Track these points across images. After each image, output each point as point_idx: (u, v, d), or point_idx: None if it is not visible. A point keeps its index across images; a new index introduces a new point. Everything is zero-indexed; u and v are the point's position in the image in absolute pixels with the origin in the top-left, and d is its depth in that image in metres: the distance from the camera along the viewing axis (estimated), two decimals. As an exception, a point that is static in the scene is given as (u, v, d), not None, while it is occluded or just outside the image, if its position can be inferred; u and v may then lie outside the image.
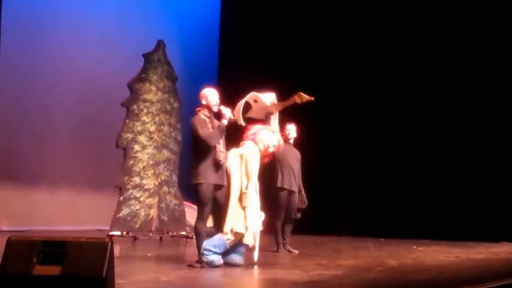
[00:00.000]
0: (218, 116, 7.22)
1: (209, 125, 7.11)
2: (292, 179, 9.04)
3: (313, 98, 8.66)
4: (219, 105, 7.19)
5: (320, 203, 13.30)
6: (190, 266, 7.02)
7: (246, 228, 7.03)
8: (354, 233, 12.60)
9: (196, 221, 7.28)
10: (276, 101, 8.73)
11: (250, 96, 8.31)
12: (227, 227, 7.04)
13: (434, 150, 12.66)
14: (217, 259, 7.02)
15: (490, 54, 12.41)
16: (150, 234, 10.80)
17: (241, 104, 7.94)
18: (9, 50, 11.58)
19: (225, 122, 7.11)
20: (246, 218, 7.01)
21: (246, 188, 7.08)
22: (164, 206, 10.93)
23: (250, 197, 7.06)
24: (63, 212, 12.36)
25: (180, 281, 6.14)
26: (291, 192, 9.06)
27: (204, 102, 7.21)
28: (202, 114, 7.18)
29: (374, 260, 8.11)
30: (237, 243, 7.19)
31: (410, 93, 12.92)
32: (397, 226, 12.10)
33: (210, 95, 7.23)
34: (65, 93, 12.56)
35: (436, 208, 12.38)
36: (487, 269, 7.74)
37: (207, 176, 7.03)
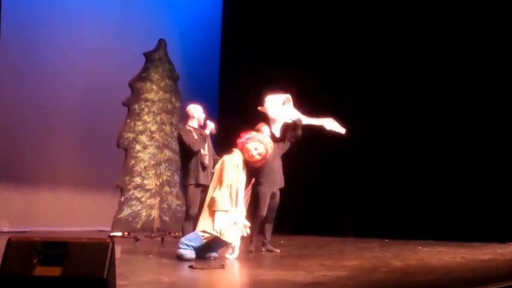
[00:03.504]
0: (203, 127, 8.46)
1: (194, 134, 8.27)
2: (273, 179, 9.02)
3: (344, 131, 8.80)
4: (205, 119, 8.49)
5: (324, 204, 13.29)
6: (191, 267, 6.99)
7: (217, 231, 7.51)
8: (358, 234, 12.54)
9: (183, 220, 8.35)
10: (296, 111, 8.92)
11: (287, 98, 8.84)
12: (199, 227, 7.63)
13: (440, 151, 12.61)
14: (189, 253, 7.56)
15: (489, 55, 12.36)
16: (152, 234, 10.76)
17: (278, 100, 8.76)
18: (9, 49, 11.54)
19: (207, 131, 8.37)
20: (215, 221, 7.51)
21: (215, 193, 7.62)
22: (166, 206, 10.89)
23: (222, 203, 7.53)
24: (64, 212, 12.32)
25: (182, 282, 6.12)
26: (273, 193, 9.05)
27: (195, 116, 8.45)
28: (188, 126, 8.39)
29: (379, 261, 8.06)
30: (215, 241, 7.67)
31: (415, 91, 12.87)
32: (402, 226, 12.05)
33: (199, 110, 8.49)
34: (65, 93, 12.52)
35: (441, 208, 12.33)
36: (492, 270, 7.68)
37: (195, 177, 8.14)
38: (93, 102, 12.71)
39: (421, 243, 10.66)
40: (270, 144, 8.06)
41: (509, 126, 12.17)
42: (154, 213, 10.76)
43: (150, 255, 8.60)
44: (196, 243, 7.60)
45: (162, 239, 10.93)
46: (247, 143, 7.87)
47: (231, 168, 7.69)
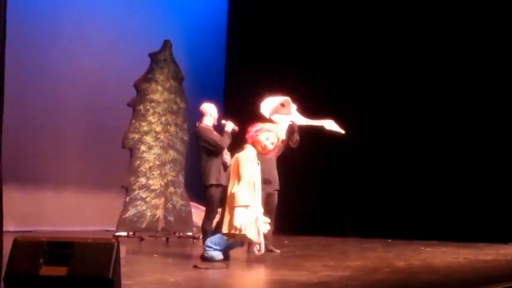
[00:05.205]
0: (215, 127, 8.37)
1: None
2: (268, 181, 8.88)
3: (343, 132, 8.85)
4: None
5: (327, 204, 13.31)
6: (195, 266, 7.03)
7: (236, 228, 7.40)
8: (361, 234, 12.56)
9: (203, 220, 8.21)
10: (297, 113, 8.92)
11: (284, 100, 8.78)
12: (225, 229, 7.53)
13: (443, 151, 12.61)
14: (217, 255, 7.53)
15: (489, 55, 12.36)
16: (156, 234, 10.80)
17: (273, 103, 8.73)
18: (14, 51, 11.53)
19: (228, 129, 8.21)
20: (235, 217, 7.41)
21: (234, 189, 7.53)
22: (170, 206, 10.93)
23: (241, 198, 7.44)
24: (70, 212, 12.36)
25: (187, 282, 6.14)
26: (269, 194, 8.94)
27: (211, 115, 8.32)
28: (204, 124, 8.28)
29: (381, 261, 8.09)
30: (237, 239, 7.64)
31: (418, 91, 12.88)
32: (405, 227, 12.06)
33: (214, 109, 8.38)
34: (71, 94, 12.56)
35: (444, 209, 12.34)
36: (495, 270, 7.71)
37: (218, 177, 7.98)
38: (98, 103, 12.75)
39: (424, 244, 10.66)
40: (280, 131, 8.01)
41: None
42: (159, 213, 10.81)
43: (155, 255, 8.63)
44: (222, 246, 7.59)
45: (167, 239, 10.97)
46: (257, 135, 7.77)
47: (247, 164, 7.59)
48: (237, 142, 8.23)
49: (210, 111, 8.37)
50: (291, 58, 13.48)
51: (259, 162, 7.84)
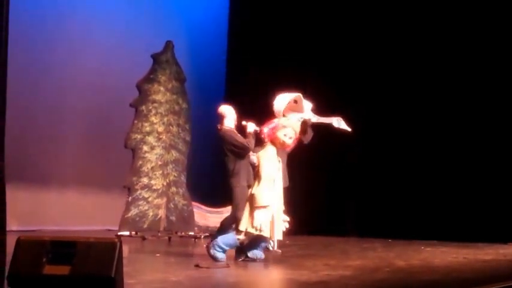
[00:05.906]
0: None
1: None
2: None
3: (350, 130, 8.91)
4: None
5: (328, 204, 13.34)
6: (197, 266, 7.06)
7: (256, 228, 7.42)
8: (361, 234, 12.60)
9: (227, 217, 8.36)
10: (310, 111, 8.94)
11: (297, 96, 8.72)
12: (242, 227, 7.54)
13: (444, 151, 12.62)
14: (221, 257, 7.54)
15: (489, 55, 12.37)
16: (159, 234, 10.86)
17: (286, 99, 8.60)
18: (17, 51, 11.57)
19: (250, 130, 8.09)
20: (255, 218, 7.41)
21: (254, 189, 7.54)
22: (172, 206, 10.99)
23: (262, 198, 7.45)
24: (72, 212, 12.39)
25: (189, 281, 6.17)
26: None
27: (232, 116, 8.26)
28: (227, 127, 8.19)
29: (382, 261, 8.13)
30: (258, 239, 7.66)
31: (419, 91, 12.89)
32: (405, 227, 12.09)
33: (233, 110, 8.34)
34: (73, 94, 12.59)
35: (444, 209, 12.36)
36: (495, 270, 7.74)
37: (247, 178, 7.98)
38: (101, 103, 12.77)
39: (424, 244, 10.67)
40: (296, 124, 8.01)
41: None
42: (161, 213, 10.87)
43: (157, 254, 8.66)
44: (232, 247, 7.68)
45: (169, 239, 11.02)
46: (274, 133, 7.76)
47: (267, 163, 7.62)
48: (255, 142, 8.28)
49: (230, 113, 8.35)
50: (292, 59, 13.49)
51: (280, 159, 7.87)
